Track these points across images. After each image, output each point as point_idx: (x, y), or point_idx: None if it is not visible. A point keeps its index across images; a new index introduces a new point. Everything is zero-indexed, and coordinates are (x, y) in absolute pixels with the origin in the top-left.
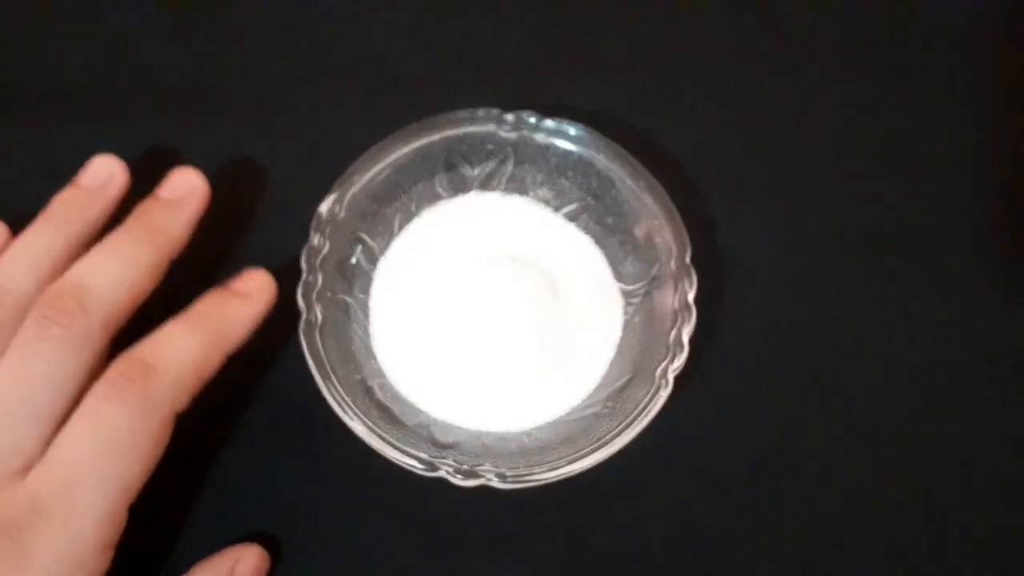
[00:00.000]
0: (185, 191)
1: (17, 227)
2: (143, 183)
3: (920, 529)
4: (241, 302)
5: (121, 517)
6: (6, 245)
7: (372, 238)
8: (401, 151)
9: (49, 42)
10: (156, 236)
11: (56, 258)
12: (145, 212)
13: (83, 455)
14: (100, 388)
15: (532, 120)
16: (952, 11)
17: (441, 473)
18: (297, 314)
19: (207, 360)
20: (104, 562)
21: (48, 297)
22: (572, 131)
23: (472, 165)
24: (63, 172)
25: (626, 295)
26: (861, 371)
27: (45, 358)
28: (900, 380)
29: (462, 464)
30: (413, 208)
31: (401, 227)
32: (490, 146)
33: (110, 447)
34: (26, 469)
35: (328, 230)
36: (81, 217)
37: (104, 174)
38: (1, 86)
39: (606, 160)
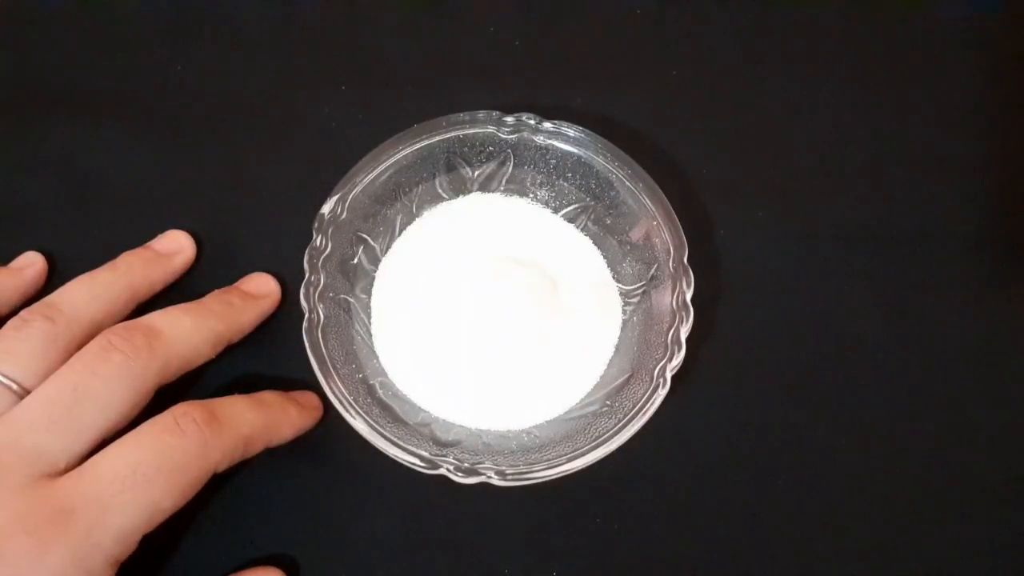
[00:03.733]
0: (264, 292)
1: (18, 226)
2: (144, 186)
3: (920, 527)
4: (297, 410)
5: (136, 541)
6: (42, 274)
7: (374, 239)
8: (402, 153)
9: (51, 44)
10: (229, 317)
11: (114, 300)
12: (227, 294)
13: (128, 472)
14: (164, 418)
15: (532, 122)
16: (952, 12)
17: (442, 471)
18: (300, 314)
19: (258, 439)
20: None
21: (121, 328)
22: (571, 133)
23: (472, 167)
24: (63, 172)
25: (624, 295)
26: (858, 370)
27: (101, 378)
28: (899, 379)
29: (463, 462)
30: (414, 209)
31: (402, 228)
32: (490, 148)
33: (157, 473)
34: (50, 475)
35: (330, 231)
36: (144, 273)
37: (175, 245)
38: (1, 86)
39: (605, 162)
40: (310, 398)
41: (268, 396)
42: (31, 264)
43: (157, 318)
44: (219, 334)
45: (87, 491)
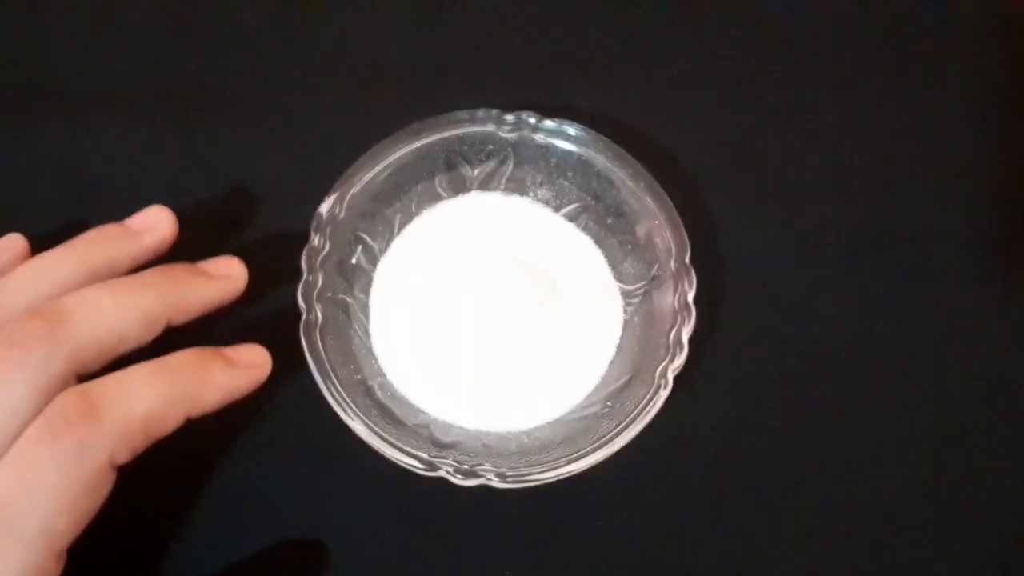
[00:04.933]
0: (225, 272)
1: (9, 223)
2: (138, 183)
3: (921, 529)
4: (225, 368)
5: (49, 568)
6: (21, 258)
7: (372, 238)
8: (401, 151)
9: (49, 42)
10: (168, 293)
11: (61, 285)
12: (172, 270)
13: (5, 502)
14: (33, 428)
15: (532, 120)
16: (952, 12)
17: (441, 473)
18: (297, 314)
19: (162, 417)
20: None
21: (22, 316)
22: (572, 131)
23: (472, 165)
24: (56, 169)
25: (626, 295)
26: (861, 371)
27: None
28: (900, 380)
29: (462, 464)
30: (413, 208)
31: (401, 227)
32: (490, 146)
33: (33, 495)
34: None
35: (328, 230)
36: (104, 251)
37: (150, 220)
38: (1, 86)
39: (606, 160)
40: (250, 353)
41: (179, 358)
42: (9, 246)
43: (68, 298)
44: (151, 311)
45: None
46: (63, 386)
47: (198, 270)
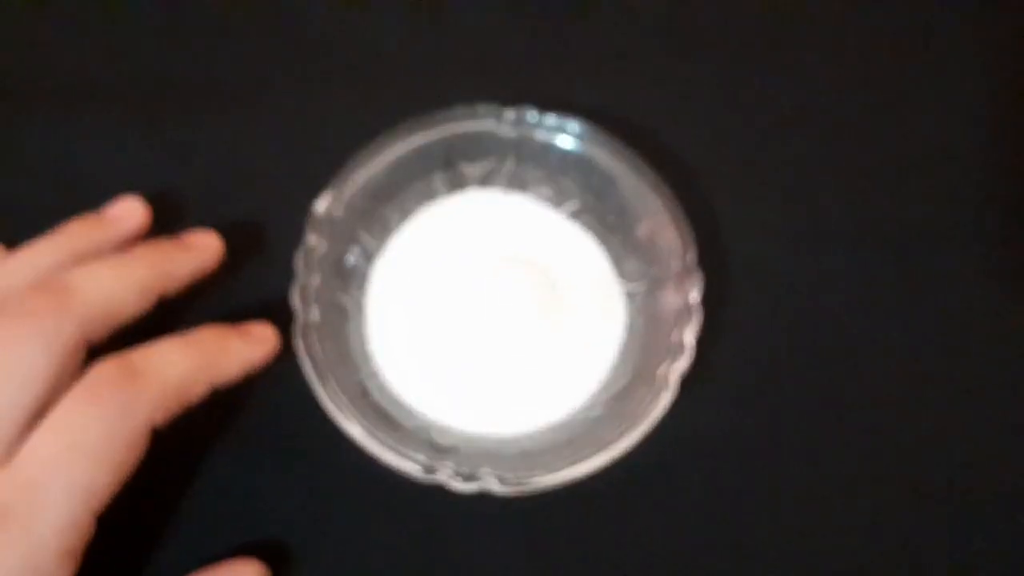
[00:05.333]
0: (202, 244)
1: (16, 228)
2: (129, 180)
3: (926, 529)
4: (242, 342)
5: (86, 525)
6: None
7: (369, 237)
8: (399, 148)
9: (42, 39)
10: (158, 265)
11: (49, 271)
12: (158, 244)
13: (50, 459)
14: (77, 389)
15: (533, 117)
16: (958, 11)
17: (440, 477)
18: (292, 315)
19: (193, 382)
20: (65, 571)
21: (28, 290)
22: (573, 128)
23: (471, 163)
24: (45, 165)
25: (628, 295)
26: (868, 373)
27: (11, 350)
28: (910, 383)
29: (461, 468)
30: (411, 206)
31: (399, 226)
32: (490, 143)
33: (78, 452)
34: None
35: (324, 229)
36: (88, 238)
37: (125, 210)
38: None
39: (608, 158)
40: (260, 329)
41: (202, 333)
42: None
43: (72, 273)
44: (146, 283)
45: (14, 489)
46: (77, 353)
47: (182, 244)
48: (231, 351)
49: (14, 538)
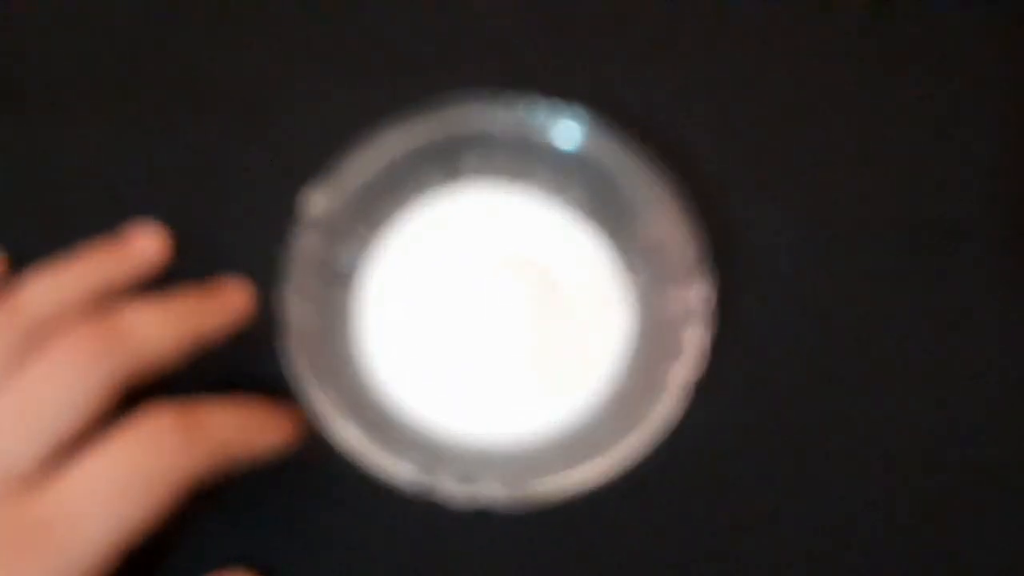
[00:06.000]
0: (236, 298)
1: (17, 225)
2: (115, 177)
3: (930, 529)
4: (278, 422)
5: (114, 559)
6: (4, 274)
7: (364, 237)
8: (394, 145)
9: (24, 36)
10: (201, 323)
11: (78, 295)
12: (199, 297)
13: (99, 487)
14: (139, 425)
15: (533, 111)
16: (968, 8)
17: (436, 480)
18: (282, 316)
19: (238, 448)
20: None
21: (84, 325)
22: (576, 124)
23: (469, 159)
24: (27, 162)
25: (631, 296)
26: (877, 375)
27: (60, 379)
28: (921, 385)
29: (459, 472)
30: (407, 205)
31: (395, 226)
32: (489, 139)
33: (126, 486)
34: (23, 485)
35: (316, 227)
36: (112, 267)
37: (145, 239)
38: None
39: (611, 154)
40: (297, 410)
41: (250, 401)
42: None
43: (133, 314)
44: (187, 337)
45: (61, 505)
46: (116, 393)
47: (219, 297)
48: (270, 428)
49: (49, 555)
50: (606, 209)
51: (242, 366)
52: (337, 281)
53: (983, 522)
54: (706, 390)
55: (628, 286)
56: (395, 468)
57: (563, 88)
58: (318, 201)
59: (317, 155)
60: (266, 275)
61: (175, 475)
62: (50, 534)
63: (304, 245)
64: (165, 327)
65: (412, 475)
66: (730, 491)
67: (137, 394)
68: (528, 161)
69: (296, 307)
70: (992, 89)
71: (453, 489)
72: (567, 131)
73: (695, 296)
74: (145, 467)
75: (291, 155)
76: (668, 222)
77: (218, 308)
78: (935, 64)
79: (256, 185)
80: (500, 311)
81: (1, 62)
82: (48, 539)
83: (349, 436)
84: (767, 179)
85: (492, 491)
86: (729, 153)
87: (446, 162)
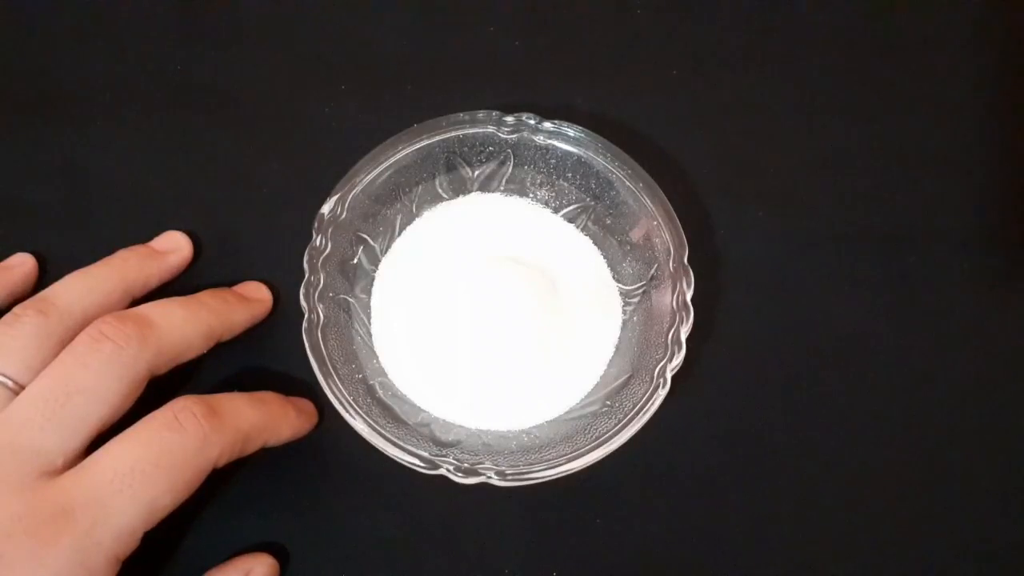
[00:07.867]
0: (257, 296)
1: (15, 227)
2: (143, 185)
3: (918, 528)
4: (296, 413)
5: (138, 538)
6: (32, 274)
7: (373, 239)
8: (402, 152)
9: (48, 42)
10: (222, 313)
11: (107, 294)
12: (222, 294)
13: (127, 470)
14: (164, 414)
15: (532, 122)
16: (952, 13)
17: (442, 471)
18: (299, 314)
19: (256, 437)
20: (109, 575)
21: (111, 317)
22: (571, 133)
23: (472, 166)
24: (61, 172)
25: (625, 295)
26: (859, 370)
27: (92, 370)
28: (899, 379)
29: (462, 462)
30: (414, 209)
31: (402, 228)
32: (490, 148)
33: (156, 470)
34: (48, 473)
35: (330, 231)
36: (139, 269)
37: (172, 244)
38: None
39: (605, 161)
40: (308, 404)
41: (267, 395)
42: (21, 264)
43: (149, 308)
44: (211, 328)
45: (86, 489)
46: (144, 382)
47: (241, 296)
48: (287, 418)
49: (76, 536)
50: (601, 214)
51: (262, 360)
52: (350, 281)
53: (963, 511)
54: (693, 383)
55: (621, 285)
56: (403, 458)
57: (561, 104)
58: (332, 206)
59: (332, 165)
60: (285, 275)
61: (196, 462)
62: (73, 520)
63: (320, 246)
64: (189, 322)
65: (418, 464)
66: (713, 476)
67: (164, 389)
68: (527, 169)
69: (312, 304)
70: (973, 94)
71: (456, 478)
72: (564, 142)
73: (682, 295)
74: (168, 454)
75: (308, 165)
76: (657, 226)
77: (240, 306)
78: (911, 72)
79: (276, 193)
80: (501, 309)
81: (38, 76)
82: (72, 524)
83: (358, 427)
84: (750, 184)
85: (493, 480)
86: (715, 161)
87: (450, 169)
